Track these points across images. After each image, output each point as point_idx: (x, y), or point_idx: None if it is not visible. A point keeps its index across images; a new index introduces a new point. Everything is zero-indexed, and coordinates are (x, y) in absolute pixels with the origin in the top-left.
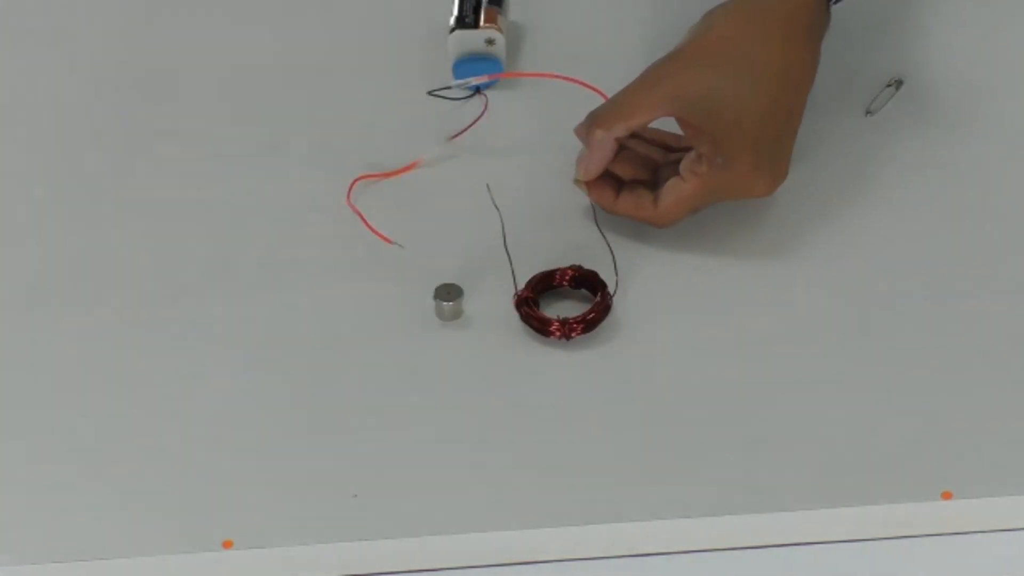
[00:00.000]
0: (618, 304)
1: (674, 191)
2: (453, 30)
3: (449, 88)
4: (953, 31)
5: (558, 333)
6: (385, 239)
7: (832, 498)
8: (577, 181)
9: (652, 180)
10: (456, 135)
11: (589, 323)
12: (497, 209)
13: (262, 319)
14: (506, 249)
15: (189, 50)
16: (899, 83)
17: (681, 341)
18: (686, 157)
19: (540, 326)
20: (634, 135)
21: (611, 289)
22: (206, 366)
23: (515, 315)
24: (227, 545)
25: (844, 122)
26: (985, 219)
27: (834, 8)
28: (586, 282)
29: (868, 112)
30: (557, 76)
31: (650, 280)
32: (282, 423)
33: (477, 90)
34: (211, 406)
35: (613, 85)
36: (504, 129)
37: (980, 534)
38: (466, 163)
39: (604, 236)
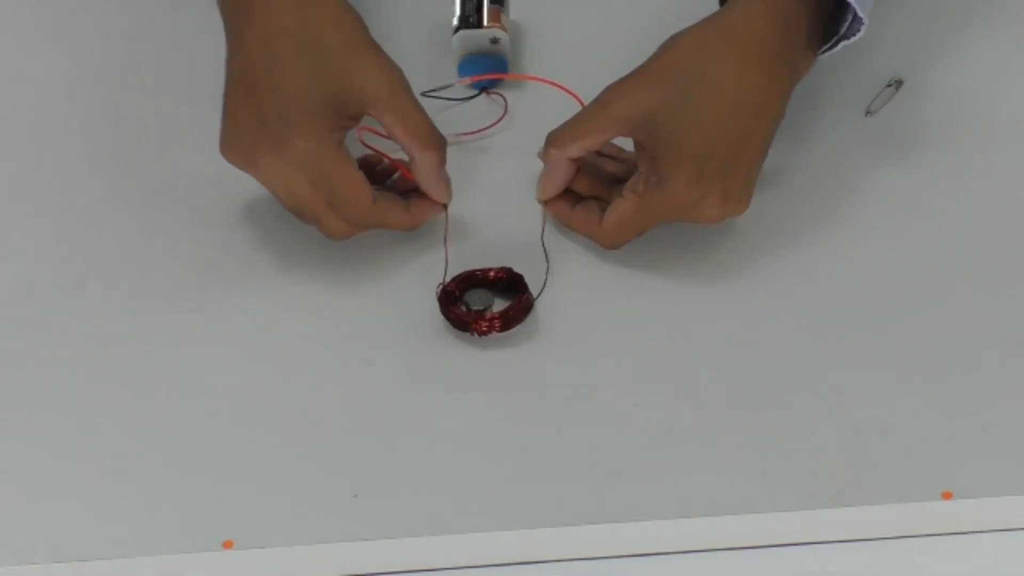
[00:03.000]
0: (623, 305)
1: (616, 211)
2: (457, 30)
3: (446, 88)
4: (953, 31)
5: (473, 328)
6: (405, 172)
7: (832, 498)
8: (538, 200)
9: (607, 201)
10: (470, 132)
11: (504, 323)
12: (445, 208)
13: (262, 318)
14: (445, 243)
15: (191, 48)
16: (899, 83)
17: (681, 341)
18: (632, 177)
19: (455, 320)
20: (601, 153)
21: (535, 294)
22: (206, 365)
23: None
24: (227, 545)
25: (844, 122)
26: (985, 219)
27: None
28: (513, 285)
29: (868, 112)
30: (544, 80)
31: (651, 280)
32: (282, 423)
33: (483, 89)
34: (211, 406)
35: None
36: (505, 127)
37: (980, 534)
38: (468, 160)
39: (544, 249)
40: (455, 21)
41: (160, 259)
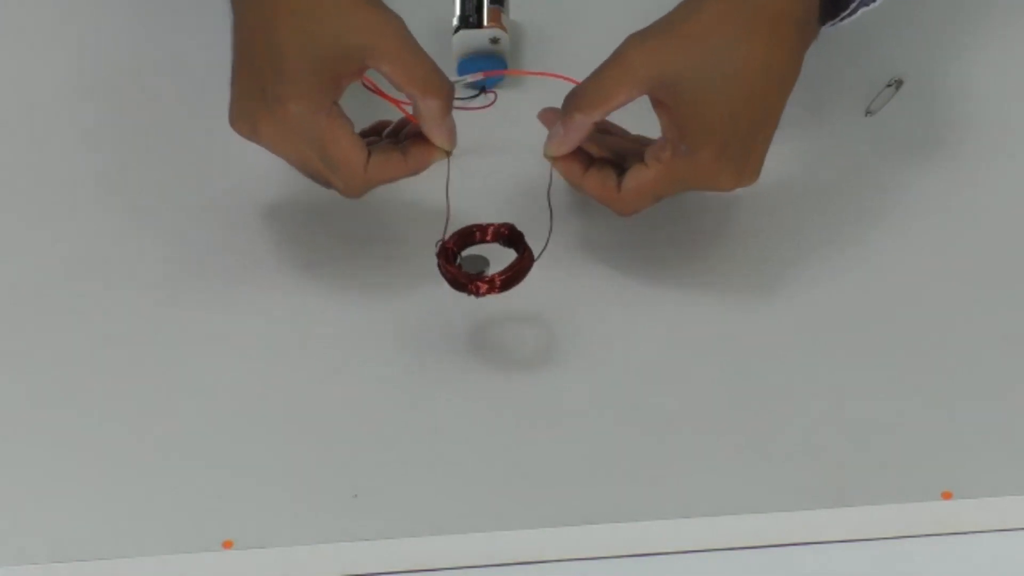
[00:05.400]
0: (620, 304)
1: (637, 177)
2: (457, 30)
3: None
4: (953, 31)
5: (470, 288)
6: (407, 115)
7: (832, 498)
8: (547, 156)
9: (620, 166)
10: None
11: (504, 283)
12: (448, 155)
13: (262, 318)
14: (447, 195)
15: (193, 47)
16: (899, 83)
17: (681, 341)
18: (652, 143)
19: (452, 280)
20: (603, 130)
21: (537, 252)
22: (206, 365)
23: (518, 314)
24: (227, 545)
25: (844, 122)
26: (986, 219)
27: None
28: (513, 243)
29: (868, 112)
30: (558, 76)
31: (651, 283)
32: (282, 423)
33: (483, 88)
34: (211, 406)
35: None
36: (507, 127)
37: (980, 534)
38: (466, 159)
39: (550, 206)
40: (455, 21)
41: (159, 259)
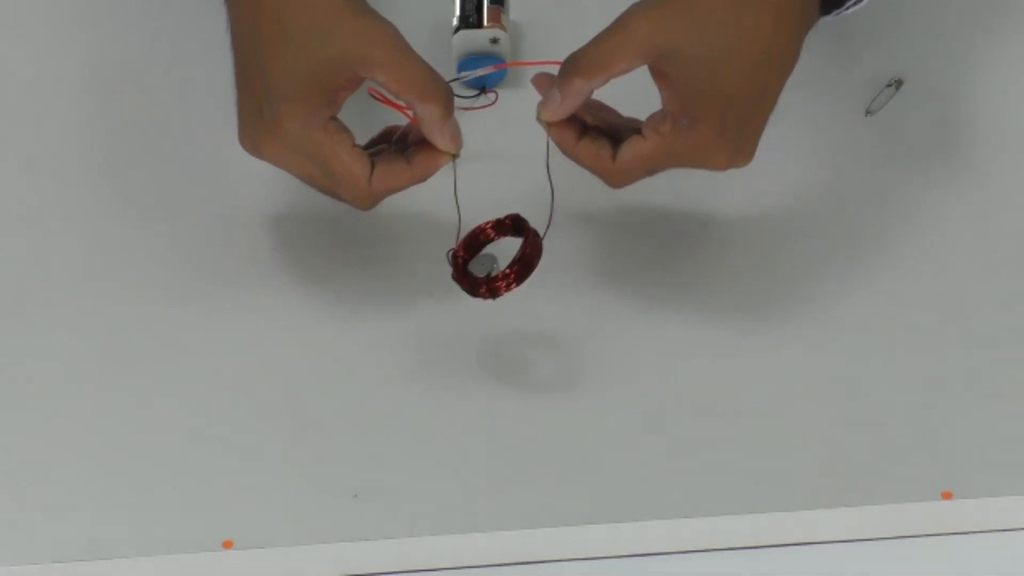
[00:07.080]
0: (619, 307)
1: (634, 148)
2: (457, 30)
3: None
4: (953, 31)
5: (484, 294)
6: (412, 119)
7: (832, 498)
8: (540, 120)
9: (614, 137)
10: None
11: (518, 275)
12: (454, 159)
13: (263, 318)
14: (456, 199)
15: (194, 47)
16: (899, 83)
17: (681, 341)
18: (651, 116)
19: (469, 288)
20: (596, 107)
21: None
22: (206, 365)
23: (518, 315)
24: (227, 545)
25: (844, 122)
26: (985, 219)
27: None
28: (519, 231)
29: (868, 112)
30: (548, 63)
31: (650, 281)
32: (282, 423)
33: (483, 88)
34: (212, 406)
35: (613, 83)
36: (509, 128)
37: (980, 534)
38: (469, 161)
39: (550, 179)
40: (455, 21)
41: (161, 258)
